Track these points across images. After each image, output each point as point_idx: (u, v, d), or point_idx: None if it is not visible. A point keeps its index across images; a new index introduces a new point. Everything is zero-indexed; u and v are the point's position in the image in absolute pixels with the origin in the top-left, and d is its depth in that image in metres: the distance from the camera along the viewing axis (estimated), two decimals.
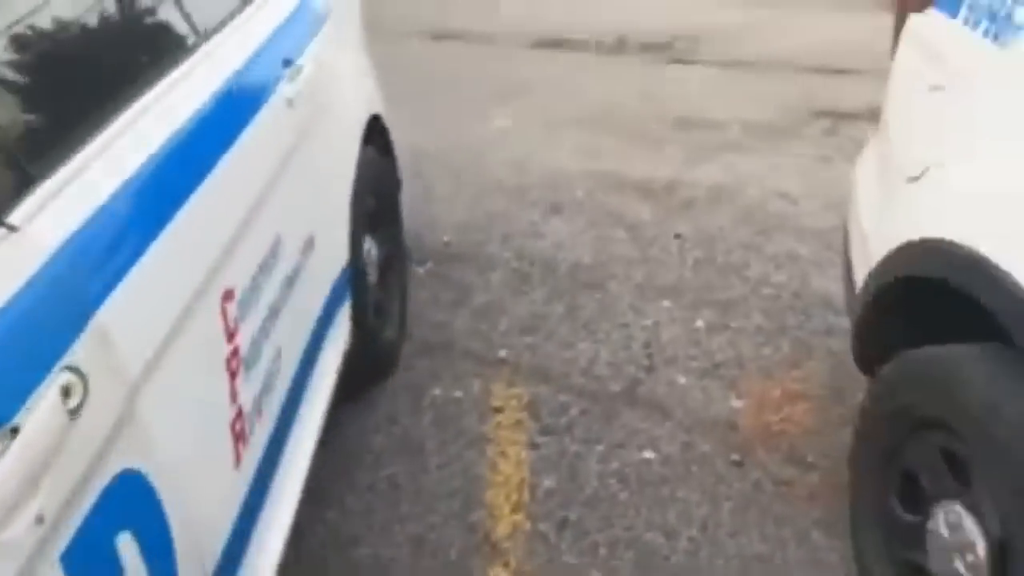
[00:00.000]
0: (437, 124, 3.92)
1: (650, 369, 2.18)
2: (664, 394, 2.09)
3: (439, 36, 5.36)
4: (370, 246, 2.09)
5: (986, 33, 1.17)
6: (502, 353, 2.27)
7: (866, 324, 1.48)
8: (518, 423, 2.02)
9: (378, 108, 2.18)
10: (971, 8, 1.24)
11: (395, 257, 2.31)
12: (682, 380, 2.14)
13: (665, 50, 4.60)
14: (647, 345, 2.28)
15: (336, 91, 1.84)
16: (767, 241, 2.71)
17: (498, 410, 2.07)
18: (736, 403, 2.04)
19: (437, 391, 2.13)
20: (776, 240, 2.71)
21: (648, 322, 2.37)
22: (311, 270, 1.53)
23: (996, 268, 1.07)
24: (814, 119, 3.55)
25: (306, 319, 1.53)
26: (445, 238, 2.87)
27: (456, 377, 2.17)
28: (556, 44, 4.87)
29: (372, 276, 2.09)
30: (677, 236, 2.79)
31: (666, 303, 2.45)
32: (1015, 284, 1.04)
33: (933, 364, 1.25)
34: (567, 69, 4.50)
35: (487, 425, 2.01)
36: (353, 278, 1.84)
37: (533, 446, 1.93)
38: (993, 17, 1.17)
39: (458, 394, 2.12)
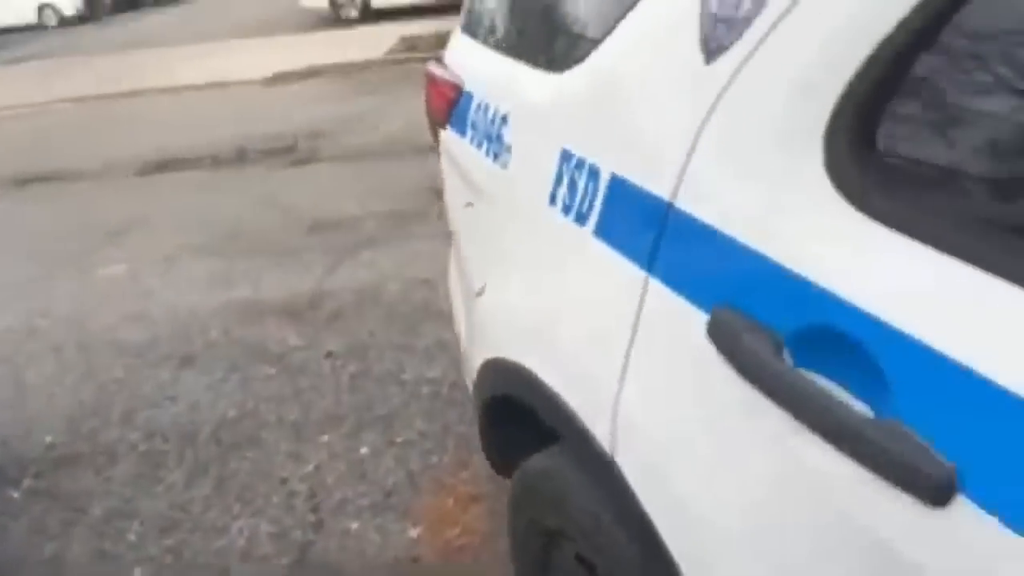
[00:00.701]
0: (26, 292, 3.29)
1: (318, 525, 1.95)
2: (337, 550, 1.87)
3: (25, 180, 4.60)
4: None
5: (487, 153, 1.19)
6: (137, 573, 1.85)
7: (486, 434, 1.44)
8: None
9: None
10: (473, 128, 1.26)
11: None
12: (355, 525, 1.94)
13: (288, 153, 4.48)
14: (312, 496, 2.04)
15: None
16: (417, 336, 2.66)
17: None
18: (413, 532, 1.90)
19: None
20: (425, 333, 2.68)
21: (310, 467, 2.14)
22: None
23: (538, 381, 1.06)
24: (436, 198, 3.68)
25: None
26: (47, 439, 2.33)
27: None
28: (167, 166, 4.47)
29: None
30: (329, 355, 2.62)
31: (326, 437, 2.25)
32: (550, 390, 1.05)
33: (538, 477, 1.22)
34: (184, 192, 4.14)
35: None
36: None
37: None
38: (490, 137, 1.19)
39: None
